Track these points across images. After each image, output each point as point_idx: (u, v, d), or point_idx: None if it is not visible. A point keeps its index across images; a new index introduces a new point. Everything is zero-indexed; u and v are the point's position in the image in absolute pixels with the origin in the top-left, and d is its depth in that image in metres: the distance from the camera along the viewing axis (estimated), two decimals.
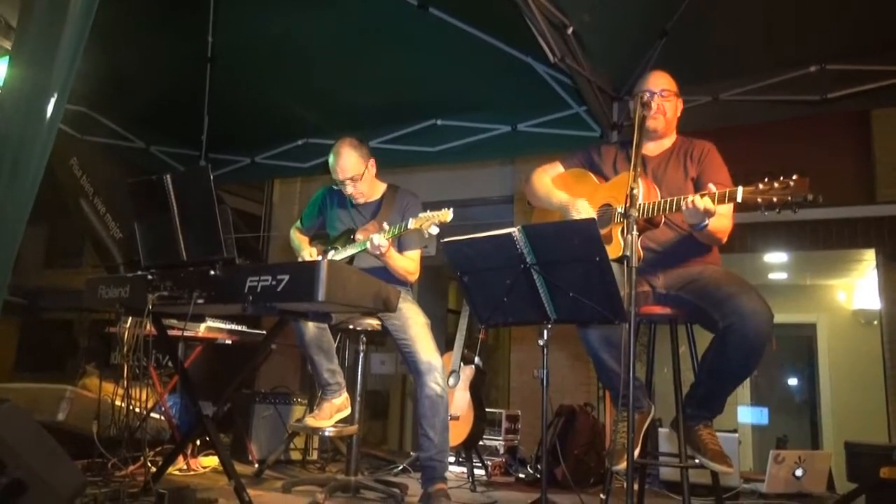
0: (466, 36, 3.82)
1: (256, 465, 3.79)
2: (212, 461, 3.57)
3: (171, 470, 3.17)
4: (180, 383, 3.47)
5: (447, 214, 2.69)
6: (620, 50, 3.79)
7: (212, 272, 2.43)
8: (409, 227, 2.76)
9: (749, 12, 3.45)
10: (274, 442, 4.03)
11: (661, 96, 2.58)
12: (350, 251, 3.01)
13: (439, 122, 4.68)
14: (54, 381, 3.65)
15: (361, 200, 3.17)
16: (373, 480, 3.29)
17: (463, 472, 3.95)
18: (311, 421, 3.00)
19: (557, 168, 2.78)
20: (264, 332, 3.82)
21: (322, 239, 3.19)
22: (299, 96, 4.66)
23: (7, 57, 2.43)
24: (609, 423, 3.81)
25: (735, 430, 3.82)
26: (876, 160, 5.40)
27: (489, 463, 4.16)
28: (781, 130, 4.93)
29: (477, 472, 3.89)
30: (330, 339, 3.00)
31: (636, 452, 2.30)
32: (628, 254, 2.04)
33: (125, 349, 3.30)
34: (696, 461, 2.36)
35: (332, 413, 3.01)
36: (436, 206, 2.78)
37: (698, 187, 2.44)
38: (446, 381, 3.10)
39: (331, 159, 3.11)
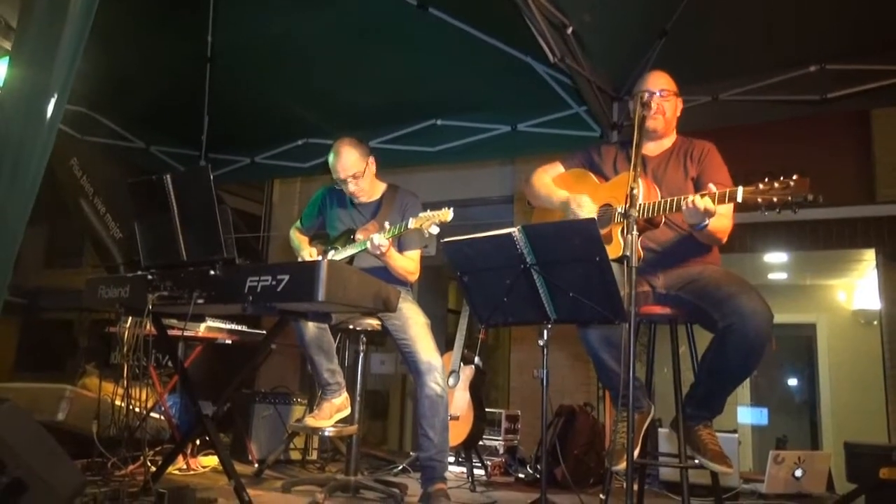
0: (466, 36, 3.82)
1: (256, 465, 3.79)
2: (211, 461, 3.57)
3: (170, 469, 3.17)
4: (180, 383, 3.47)
5: (447, 214, 2.69)
6: (620, 50, 3.79)
7: (212, 272, 2.43)
8: (409, 226, 2.76)
9: (749, 12, 3.45)
10: (274, 442, 4.04)
11: (661, 96, 2.58)
12: (350, 251, 3.01)
13: (439, 122, 4.68)
14: (54, 380, 3.65)
15: (363, 199, 3.17)
16: (372, 480, 3.29)
17: (462, 472, 3.95)
18: (310, 421, 3.00)
19: (558, 168, 2.78)
20: (264, 332, 3.82)
21: (322, 239, 3.20)
22: (299, 96, 4.66)
23: (7, 57, 2.43)
24: (609, 423, 3.81)
25: (735, 431, 3.82)
26: (876, 160, 5.40)
27: (489, 463, 4.16)
28: (781, 130, 4.93)
29: (476, 472, 3.89)
30: (330, 339, 3.00)
31: (636, 452, 2.29)
32: (628, 254, 2.04)
33: (125, 349, 3.30)
34: (696, 461, 2.36)
35: (332, 413, 3.02)
36: (436, 206, 2.77)
37: (698, 187, 2.44)
38: (446, 381, 3.09)
39: (331, 158, 3.11)
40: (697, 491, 3.12)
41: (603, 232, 2.35)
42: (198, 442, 3.56)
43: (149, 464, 2.82)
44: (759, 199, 2.04)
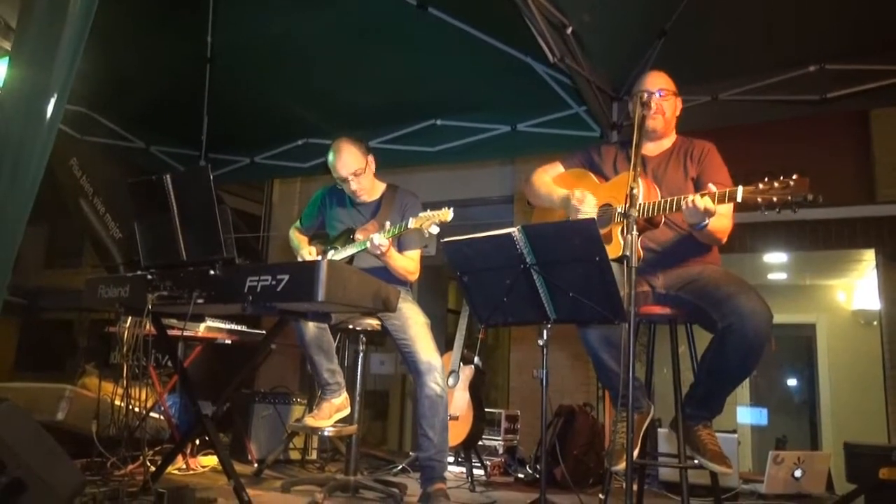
0: (466, 36, 3.82)
1: (256, 465, 3.79)
2: (211, 461, 3.57)
3: (170, 469, 3.17)
4: (180, 383, 3.47)
5: (447, 214, 2.68)
6: (620, 50, 3.80)
7: (211, 272, 2.43)
8: (409, 226, 2.76)
9: (749, 12, 3.45)
10: (273, 442, 4.04)
11: (660, 96, 2.58)
12: (350, 251, 3.01)
13: (439, 122, 4.68)
14: (54, 380, 3.66)
15: (364, 198, 3.17)
16: (372, 480, 3.29)
17: (462, 472, 3.95)
18: (310, 421, 3.00)
19: (557, 168, 2.78)
20: (264, 332, 3.82)
21: (322, 238, 3.19)
22: (299, 96, 4.66)
23: (7, 57, 2.43)
24: (608, 423, 3.81)
25: (734, 431, 3.81)
26: (875, 160, 5.40)
27: (488, 463, 4.15)
28: (781, 130, 4.93)
29: (476, 472, 3.89)
30: (330, 339, 2.99)
31: (635, 453, 2.29)
32: (628, 254, 2.04)
33: (125, 349, 3.30)
34: (696, 462, 2.36)
35: (332, 413, 3.01)
36: (436, 206, 2.77)
37: (698, 187, 2.44)
38: (446, 381, 3.10)
39: (330, 157, 3.11)
40: (697, 491, 3.13)
41: (603, 232, 2.35)
42: (197, 442, 3.56)
43: (148, 463, 2.82)
44: (759, 199, 2.04)
